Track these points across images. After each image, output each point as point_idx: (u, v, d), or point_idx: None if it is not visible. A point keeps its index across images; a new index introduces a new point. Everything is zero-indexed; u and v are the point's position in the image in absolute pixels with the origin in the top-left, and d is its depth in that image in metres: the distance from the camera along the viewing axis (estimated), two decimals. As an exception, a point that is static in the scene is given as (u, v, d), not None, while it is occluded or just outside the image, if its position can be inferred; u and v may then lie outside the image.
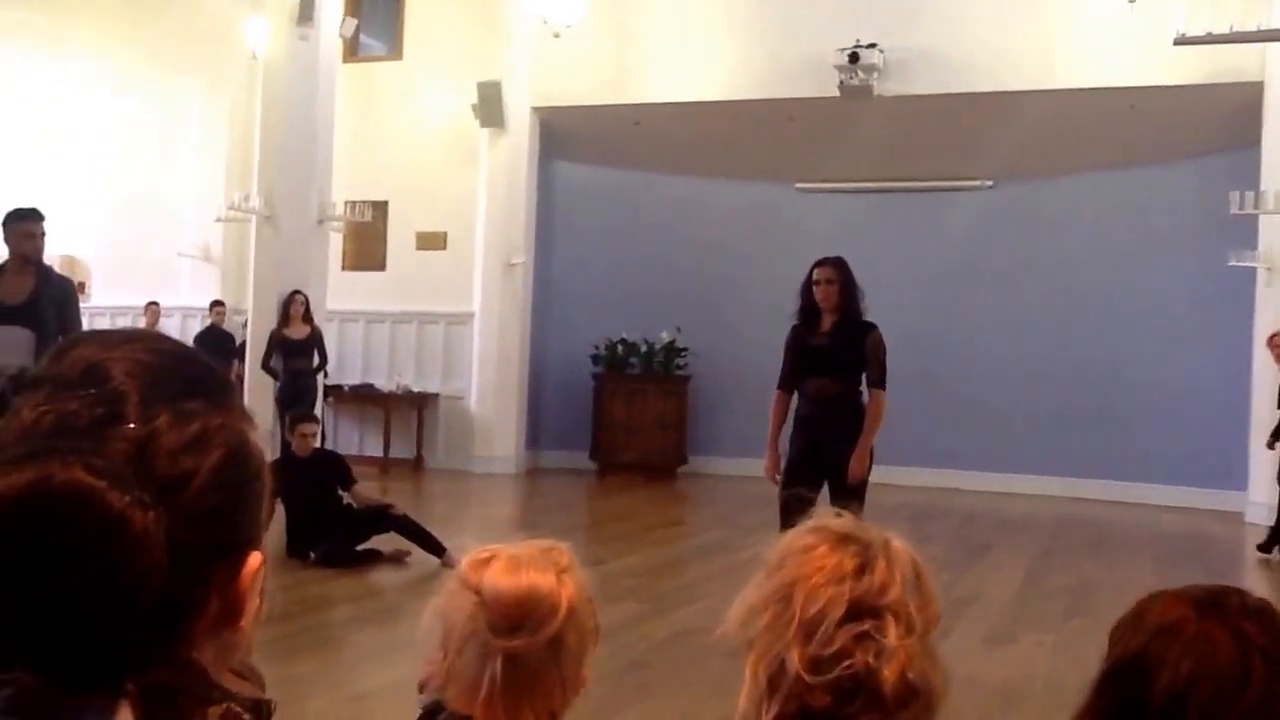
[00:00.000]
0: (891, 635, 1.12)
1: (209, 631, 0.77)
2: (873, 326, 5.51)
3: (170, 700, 0.73)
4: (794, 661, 1.13)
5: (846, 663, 1.11)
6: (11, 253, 6.09)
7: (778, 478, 5.51)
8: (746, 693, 1.17)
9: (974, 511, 10.78)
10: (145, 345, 0.79)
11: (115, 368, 0.76)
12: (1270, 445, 8.60)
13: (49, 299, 6.02)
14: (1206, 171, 11.30)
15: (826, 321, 5.50)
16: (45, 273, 6.18)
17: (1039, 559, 8.36)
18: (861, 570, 1.16)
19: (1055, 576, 7.70)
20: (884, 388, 5.47)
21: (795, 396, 5.63)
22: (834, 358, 5.46)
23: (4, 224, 6.10)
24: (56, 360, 0.78)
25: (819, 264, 5.56)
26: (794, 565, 1.18)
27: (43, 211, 6.17)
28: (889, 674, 1.11)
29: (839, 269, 5.49)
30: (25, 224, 6.04)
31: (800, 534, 1.22)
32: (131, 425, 0.73)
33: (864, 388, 5.52)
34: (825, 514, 1.25)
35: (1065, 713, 1.23)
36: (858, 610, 1.13)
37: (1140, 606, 1.20)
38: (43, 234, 6.13)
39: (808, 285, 5.54)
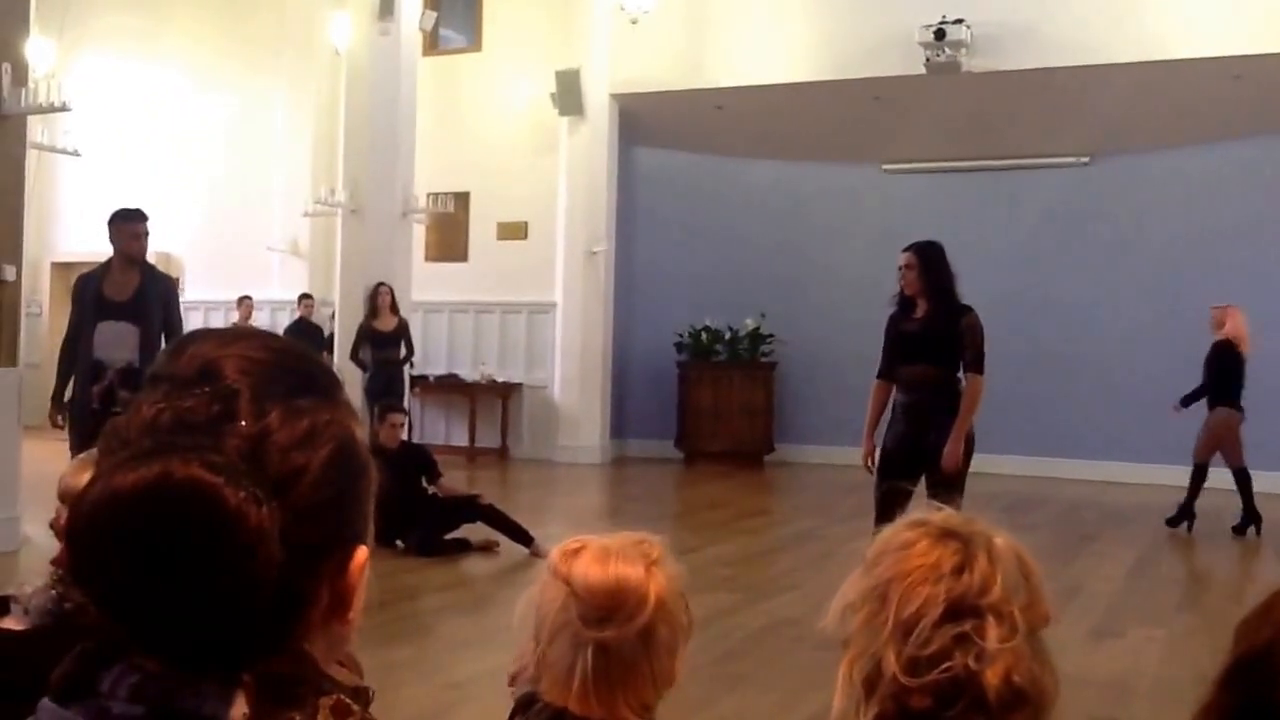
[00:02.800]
0: (992, 637, 1.07)
1: (319, 624, 0.81)
2: (968, 309, 5.38)
3: (285, 690, 0.76)
4: (890, 662, 1.09)
5: (945, 665, 1.07)
6: (117, 251, 6.24)
7: (872, 467, 5.41)
8: (842, 690, 1.14)
9: (1078, 500, 10.45)
10: (257, 343, 0.82)
11: (228, 366, 0.79)
12: (1178, 408, 8.90)
13: (154, 296, 6.21)
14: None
15: (920, 307, 5.41)
16: (149, 270, 6.36)
17: (1148, 550, 8.05)
18: (961, 568, 1.11)
19: (1165, 568, 7.45)
20: (981, 372, 5.32)
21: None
22: (927, 343, 5.35)
23: (111, 223, 6.29)
24: (173, 358, 0.81)
25: (902, 250, 5.49)
26: (891, 562, 1.14)
27: (146, 212, 6.33)
28: (992, 677, 1.06)
29: (917, 253, 5.41)
30: (132, 225, 6.22)
31: (899, 529, 1.17)
32: (244, 423, 0.76)
33: (962, 374, 5.38)
34: (925, 508, 1.19)
35: (1178, 710, 1.17)
36: (957, 610, 1.09)
37: (1269, 601, 1.11)
38: (147, 234, 6.31)
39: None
